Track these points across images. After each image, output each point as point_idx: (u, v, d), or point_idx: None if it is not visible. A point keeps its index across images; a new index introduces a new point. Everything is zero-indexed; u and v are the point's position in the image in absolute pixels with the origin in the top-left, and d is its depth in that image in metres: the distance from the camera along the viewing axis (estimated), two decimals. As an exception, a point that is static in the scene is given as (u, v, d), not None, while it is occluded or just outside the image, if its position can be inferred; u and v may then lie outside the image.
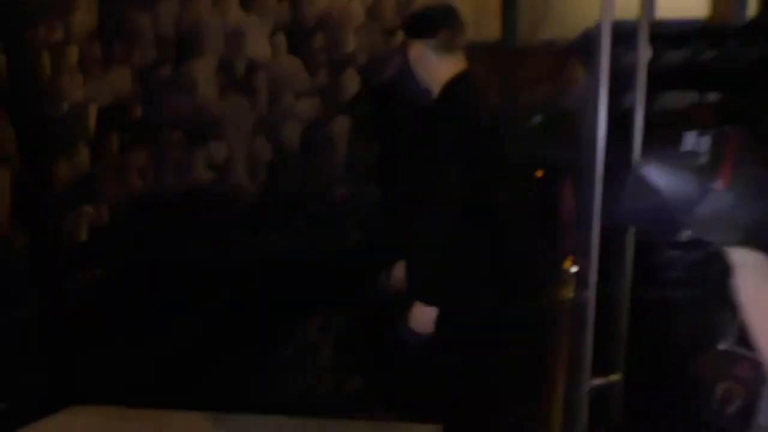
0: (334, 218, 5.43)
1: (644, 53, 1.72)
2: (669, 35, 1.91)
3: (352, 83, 5.18)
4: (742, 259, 1.02)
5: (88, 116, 4.62)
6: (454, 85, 1.91)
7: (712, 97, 2.01)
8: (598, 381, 1.79)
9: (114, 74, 4.94)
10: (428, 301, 1.88)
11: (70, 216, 4.40)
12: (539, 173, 4.93)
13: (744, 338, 1.57)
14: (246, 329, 3.77)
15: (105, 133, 4.80)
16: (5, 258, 3.76)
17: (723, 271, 1.01)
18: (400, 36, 5.12)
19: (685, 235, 1.11)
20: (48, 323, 2.97)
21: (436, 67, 1.92)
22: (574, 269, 1.64)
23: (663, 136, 1.21)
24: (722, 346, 2.03)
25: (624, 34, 1.88)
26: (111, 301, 4.32)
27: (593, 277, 1.67)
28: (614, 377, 1.82)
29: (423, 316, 1.87)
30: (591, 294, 1.69)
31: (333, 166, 5.33)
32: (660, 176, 1.05)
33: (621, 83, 1.84)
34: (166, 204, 5.62)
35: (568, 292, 1.65)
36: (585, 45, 4.54)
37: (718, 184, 1.02)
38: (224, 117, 5.42)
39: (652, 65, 1.90)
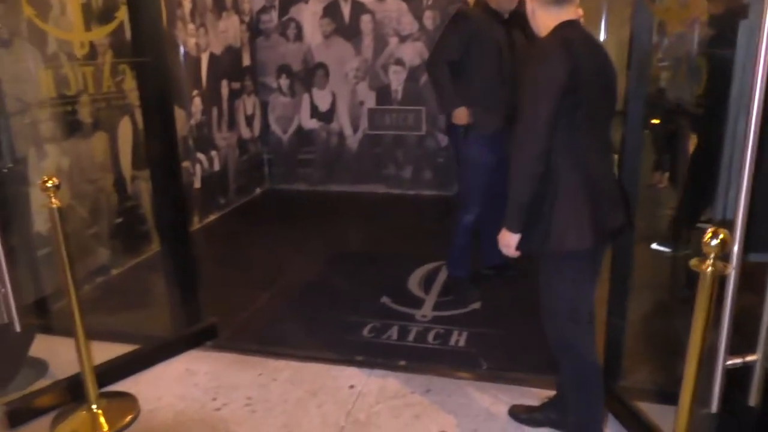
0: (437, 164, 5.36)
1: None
2: None
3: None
4: None
5: (200, 65, 4.77)
6: (559, 30, 1.87)
7: None
8: (735, 360, 1.65)
9: (224, 22, 5.06)
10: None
11: (186, 163, 4.62)
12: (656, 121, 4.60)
13: None
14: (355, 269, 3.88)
15: (216, 81, 4.97)
16: (132, 200, 4.05)
17: None
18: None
19: None
20: (173, 260, 3.15)
21: (543, 20, 1.94)
22: (716, 240, 1.48)
23: None
24: None
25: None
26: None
27: (739, 250, 1.52)
28: (752, 357, 1.67)
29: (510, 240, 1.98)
30: (735, 269, 1.54)
31: (435, 114, 5.22)
32: None
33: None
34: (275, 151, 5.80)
35: (710, 264, 1.50)
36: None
37: None
38: (329, 63, 5.43)
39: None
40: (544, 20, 1.92)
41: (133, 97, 3.93)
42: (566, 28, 1.88)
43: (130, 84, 3.89)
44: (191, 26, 4.63)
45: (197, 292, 3.16)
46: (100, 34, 3.50)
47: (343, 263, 4.09)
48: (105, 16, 3.62)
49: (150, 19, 2.72)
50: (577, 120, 1.84)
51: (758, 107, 1.53)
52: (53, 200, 2.30)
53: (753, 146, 1.53)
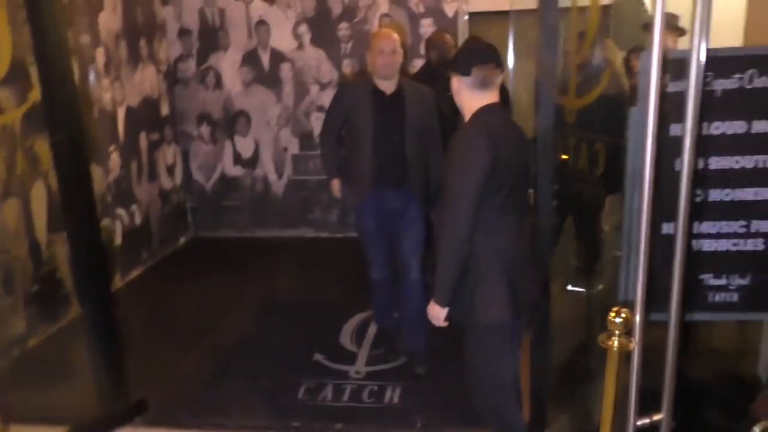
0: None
1: (696, 82, 1.66)
2: (720, 63, 1.86)
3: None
4: None
5: (117, 119, 4.67)
6: (481, 114, 2.03)
7: (760, 126, 1.95)
8: (644, 420, 1.80)
9: (140, 73, 4.97)
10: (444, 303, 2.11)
11: (106, 221, 4.49)
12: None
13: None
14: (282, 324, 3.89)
15: (134, 134, 4.87)
16: (48, 265, 3.88)
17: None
18: (426, 28, 5.06)
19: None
20: (94, 325, 3.05)
21: (468, 101, 2.10)
22: (620, 318, 1.63)
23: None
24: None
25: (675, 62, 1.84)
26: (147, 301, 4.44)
27: (641, 327, 1.67)
28: (658, 416, 1.82)
29: (438, 313, 2.12)
30: (638, 342, 1.69)
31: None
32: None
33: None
34: (198, 199, 5.72)
35: (616, 340, 1.65)
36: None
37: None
38: (250, 110, 5.44)
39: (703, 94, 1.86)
40: (468, 101, 2.08)
41: (47, 160, 3.82)
42: (488, 113, 2.04)
43: (42, 148, 3.77)
44: (106, 81, 4.54)
45: (122, 360, 3.07)
46: (15, 116, 3.42)
47: (274, 316, 4.08)
48: (18, 92, 3.54)
49: (64, 99, 2.66)
50: (498, 201, 1.98)
51: (648, 191, 1.70)
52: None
53: (646, 228, 1.70)
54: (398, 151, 3.05)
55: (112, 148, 4.62)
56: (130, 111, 4.85)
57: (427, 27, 5.08)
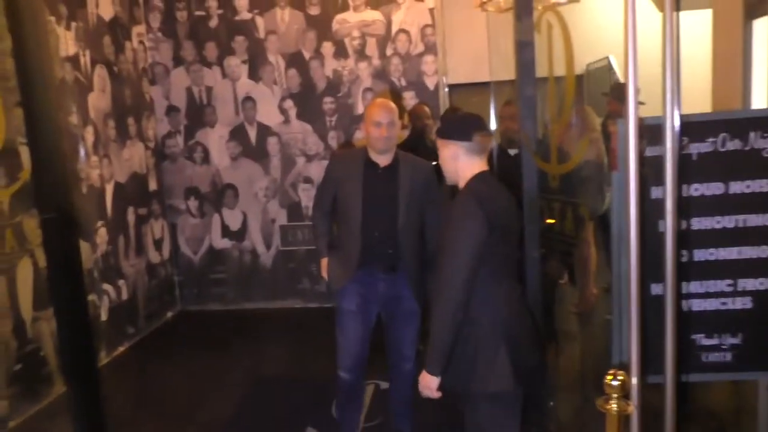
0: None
1: (672, 146, 1.72)
2: (693, 128, 1.95)
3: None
4: None
5: (105, 195, 4.70)
6: (478, 182, 2.06)
7: (736, 187, 2.02)
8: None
9: (128, 150, 5.05)
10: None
11: (92, 297, 4.43)
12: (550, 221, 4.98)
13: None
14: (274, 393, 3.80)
15: (122, 209, 4.89)
16: (32, 343, 3.80)
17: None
18: (409, 101, 5.22)
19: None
20: (79, 404, 2.95)
21: (464, 168, 2.13)
22: (617, 381, 1.62)
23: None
24: None
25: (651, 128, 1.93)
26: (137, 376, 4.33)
27: (638, 389, 1.67)
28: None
29: (430, 383, 2.08)
30: (636, 405, 1.68)
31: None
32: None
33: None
34: (186, 272, 5.68)
35: (614, 404, 1.64)
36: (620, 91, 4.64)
37: None
38: (238, 183, 5.51)
39: (680, 157, 1.93)
40: (465, 168, 2.11)
41: (34, 237, 3.81)
42: (483, 180, 2.09)
43: (29, 225, 3.77)
44: (94, 158, 4.59)
45: (108, 444, 2.97)
46: (4, 196, 3.44)
47: (265, 390, 3.99)
48: (8, 172, 3.58)
49: (55, 178, 2.69)
50: (494, 267, 2.00)
51: (636, 252, 1.74)
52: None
53: (636, 290, 1.72)
54: (389, 230, 2.79)
55: (99, 223, 4.62)
56: (118, 187, 4.88)
57: (409, 99, 5.25)
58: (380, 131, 2.75)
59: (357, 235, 2.81)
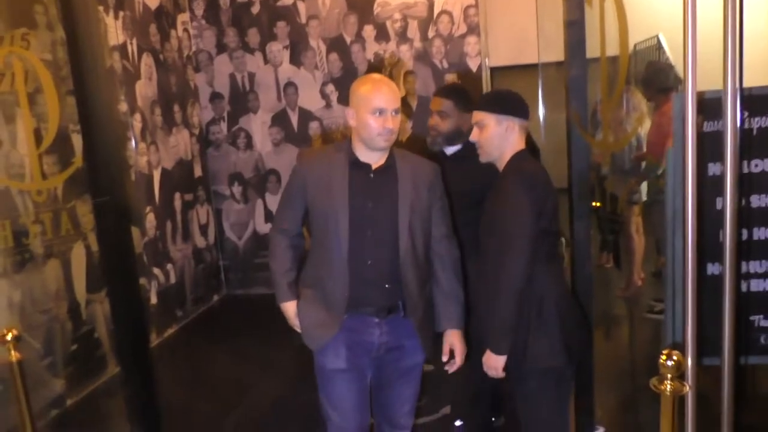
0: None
1: (731, 121, 1.66)
2: (754, 102, 1.87)
3: (403, 130, 5.23)
4: None
5: (153, 182, 4.81)
6: (523, 160, 2.10)
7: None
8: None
9: (174, 137, 5.15)
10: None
11: (142, 280, 4.56)
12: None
13: None
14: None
15: (169, 195, 5.01)
16: (87, 325, 3.94)
17: None
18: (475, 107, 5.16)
19: None
20: (132, 385, 3.06)
21: (513, 145, 2.10)
22: (672, 361, 1.58)
23: None
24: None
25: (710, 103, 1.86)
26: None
27: (693, 370, 1.62)
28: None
29: (496, 363, 2.04)
30: (692, 386, 1.64)
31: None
32: None
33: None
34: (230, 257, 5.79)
35: (669, 384, 1.60)
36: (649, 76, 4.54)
37: None
38: (281, 169, 5.56)
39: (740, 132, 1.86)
40: (512, 145, 2.09)
41: (86, 221, 3.93)
42: (525, 160, 2.07)
43: (82, 210, 3.89)
44: (142, 145, 4.70)
45: (160, 420, 3.06)
46: (57, 182, 3.55)
47: (311, 373, 4.03)
48: (61, 158, 3.70)
49: (107, 164, 2.77)
50: (545, 248, 1.99)
51: (693, 230, 1.69)
52: (13, 353, 2.25)
53: (693, 268, 1.67)
54: (388, 257, 2.06)
55: (148, 209, 4.74)
56: (165, 173, 4.99)
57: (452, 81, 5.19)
58: (384, 122, 1.98)
59: (342, 267, 2.04)
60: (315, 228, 2.13)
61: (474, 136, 2.13)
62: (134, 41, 4.67)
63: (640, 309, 4.57)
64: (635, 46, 6.62)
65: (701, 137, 1.93)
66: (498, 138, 2.08)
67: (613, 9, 2.08)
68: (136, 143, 4.61)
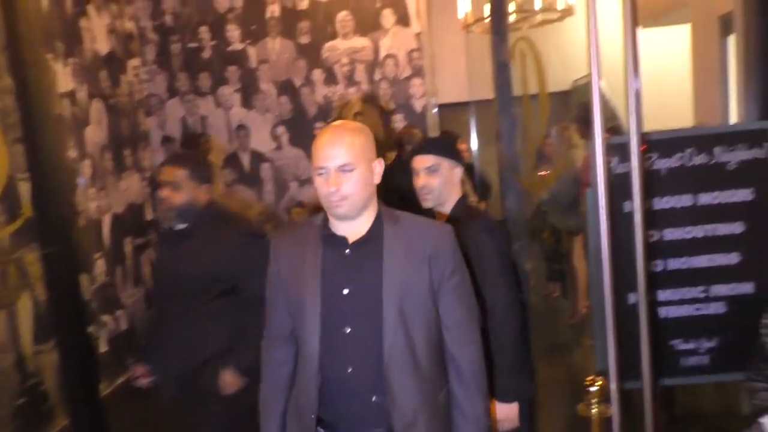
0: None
1: (637, 163, 1.83)
2: (661, 145, 2.07)
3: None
4: None
5: (102, 227, 4.79)
6: (467, 204, 2.20)
7: (705, 198, 2.13)
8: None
9: (125, 181, 5.15)
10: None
11: (91, 328, 4.49)
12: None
13: None
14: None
15: (119, 240, 4.98)
16: (34, 377, 3.85)
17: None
18: (398, 124, 5.35)
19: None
20: None
21: (457, 191, 2.18)
22: (595, 387, 1.71)
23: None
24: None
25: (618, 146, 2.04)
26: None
27: (617, 394, 1.75)
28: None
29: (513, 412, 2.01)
30: (616, 410, 1.76)
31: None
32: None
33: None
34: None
35: (595, 408, 1.72)
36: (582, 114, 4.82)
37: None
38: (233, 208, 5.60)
39: (649, 172, 2.04)
40: (456, 191, 2.16)
41: (34, 270, 3.88)
42: (470, 206, 2.19)
43: (29, 259, 3.85)
44: (92, 190, 4.69)
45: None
46: (4, 234, 3.53)
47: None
48: (9, 208, 3.67)
49: (56, 213, 2.79)
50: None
51: (608, 263, 1.83)
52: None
53: (610, 297, 1.81)
54: (371, 361, 1.62)
55: (97, 255, 4.71)
56: (115, 218, 4.98)
57: (398, 123, 5.38)
58: (326, 183, 1.56)
59: (312, 376, 1.65)
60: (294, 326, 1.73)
61: (424, 182, 2.12)
62: (84, 87, 4.70)
63: (586, 336, 4.74)
64: (575, 82, 6.97)
65: (617, 178, 2.10)
66: (449, 184, 2.13)
67: (533, 63, 2.27)
68: (85, 189, 4.60)
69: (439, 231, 1.67)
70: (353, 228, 1.63)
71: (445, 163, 2.13)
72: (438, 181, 2.12)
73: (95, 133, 4.80)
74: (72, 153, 4.48)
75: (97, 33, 4.95)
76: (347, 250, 1.63)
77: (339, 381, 1.63)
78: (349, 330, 1.62)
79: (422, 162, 2.14)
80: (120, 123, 5.19)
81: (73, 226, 4.29)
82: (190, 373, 2.43)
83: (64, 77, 4.47)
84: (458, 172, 2.16)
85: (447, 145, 2.21)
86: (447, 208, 2.18)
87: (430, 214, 2.19)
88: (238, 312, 2.38)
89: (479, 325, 1.71)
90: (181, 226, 2.42)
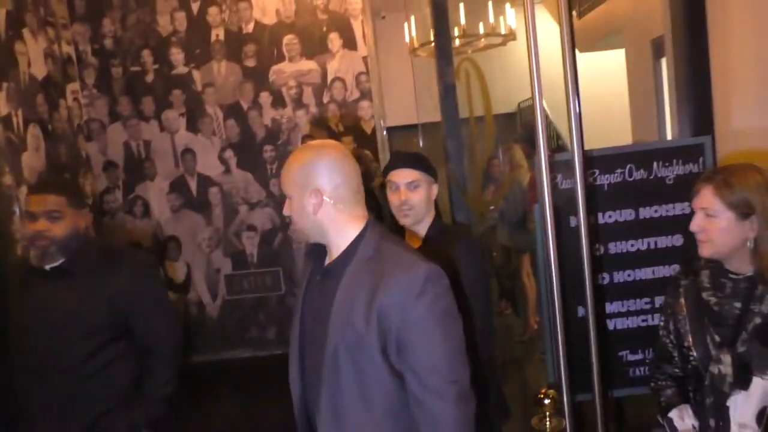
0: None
1: (580, 179, 1.88)
2: (602, 161, 2.13)
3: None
4: None
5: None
6: (439, 223, 2.13)
7: (646, 212, 2.21)
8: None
9: (65, 208, 4.96)
10: None
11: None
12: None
13: None
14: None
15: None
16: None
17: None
18: (348, 146, 5.36)
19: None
20: None
21: (432, 207, 2.10)
22: (548, 399, 1.73)
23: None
24: None
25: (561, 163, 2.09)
26: None
27: (569, 407, 1.78)
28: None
29: None
30: (569, 422, 1.79)
31: (293, 273, 5.40)
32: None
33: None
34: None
35: (548, 420, 1.74)
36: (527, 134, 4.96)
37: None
38: (180, 235, 5.47)
39: (593, 188, 2.10)
40: (432, 207, 2.13)
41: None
42: (446, 225, 2.21)
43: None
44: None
45: None
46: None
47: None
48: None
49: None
50: None
51: (556, 277, 1.87)
52: None
53: (559, 310, 1.85)
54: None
55: (36, 285, 4.50)
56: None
57: (348, 145, 5.39)
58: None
59: (296, 400, 1.65)
60: None
61: (405, 197, 2.03)
62: (20, 112, 4.52)
63: (537, 352, 4.81)
64: (519, 104, 7.15)
65: (562, 194, 2.16)
66: (428, 201, 2.08)
67: (479, 84, 2.32)
68: (21, 217, 4.41)
69: (410, 276, 1.40)
70: (331, 251, 1.54)
71: (425, 179, 2.06)
72: (419, 198, 2.04)
73: (32, 159, 4.62)
74: (7, 180, 4.29)
75: (34, 57, 4.79)
76: (318, 276, 1.58)
77: (313, 422, 1.55)
78: (308, 364, 1.57)
79: (403, 176, 2.04)
80: (59, 148, 5.01)
81: (10, 254, 4.11)
82: None
83: (-2, 102, 4.30)
84: (435, 189, 2.10)
85: (426, 161, 2.11)
86: (422, 227, 2.10)
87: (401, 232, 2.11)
88: (135, 360, 2.14)
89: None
90: (56, 263, 2.10)
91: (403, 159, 2.08)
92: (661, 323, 1.79)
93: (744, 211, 1.56)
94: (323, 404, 1.46)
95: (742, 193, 1.56)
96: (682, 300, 1.69)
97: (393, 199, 2.07)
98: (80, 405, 2.05)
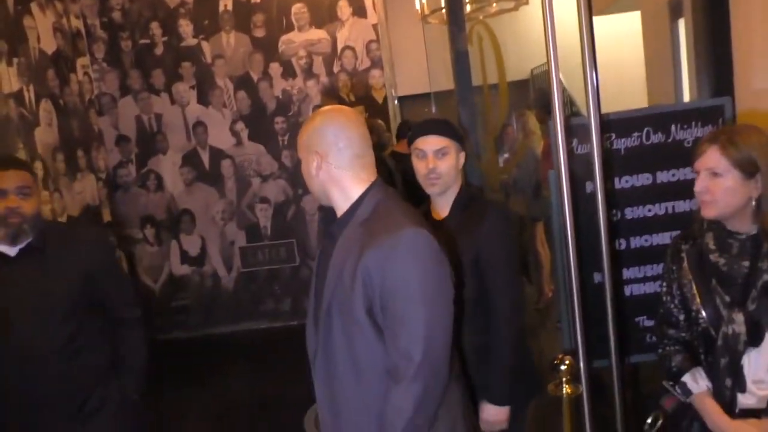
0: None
1: (597, 143, 1.85)
2: (619, 125, 2.09)
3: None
4: None
5: (58, 230, 4.63)
6: (467, 192, 2.05)
7: (663, 176, 2.17)
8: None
9: (79, 183, 5.00)
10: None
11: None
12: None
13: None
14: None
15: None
16: None
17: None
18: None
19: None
20: None
21: (460, 175, 2.02)
22: (564, 365, 1.73)
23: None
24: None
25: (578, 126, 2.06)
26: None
27: (585, 372, 1.77)
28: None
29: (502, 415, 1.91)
30: (585, 388, 1.79)
31: (307, 245, 5.41)
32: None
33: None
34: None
35: (564, 386, 1.74)
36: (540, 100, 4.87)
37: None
38: (194, 208, 5.50)
39: (609, 152, 2.07)
40: (461, 175, 2.04)
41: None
42: (476, 192, 2.16)
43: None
44: (45, 193, 4.53)
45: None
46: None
47: (234, 420, 3.99)
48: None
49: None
50: None
51: (572, 243, 1.85)
52: None
53: (576, 277, 1.83)
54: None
55: (54, 260, 4.55)
56: (70, 220, 4.82)
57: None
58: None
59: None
60: None
61: (433, 164, 1.94)
62: (31, 88, 4.52)
63: (552, 320, 4.81)
64: (532, 70, 7.03)
65: (578, 159, 2.12)
66: (456, 169, 2.00)
67: (492, 50, 2.27)
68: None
69: (395, 242, 1.40)
70: (337, 214, 1.58)
71: (454, 146, 1.97)
72: (447, 165, 1.95)
73: (45, 135, 4.64)
74: (21, 155, 4.32)
75: (43, 31, 4.77)
76: (325, 238, 1.63)
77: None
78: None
79: (431, 144, 1.95)
80: (71, 123, 5.02)
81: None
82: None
83: (8, 78, 4.30)
84: (463, 157, 2.02)
85: (455, 127, 2.01)
86: (448, 196, 2.02)
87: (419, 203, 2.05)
88: (111, 333, 2.14)
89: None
90: (25, 241, 1.98)
91: (431, 125, 1.99)
92: (664, 289, 1.78)
93: (749, 170, 1.55)
94: (318, 361, 1.57)
95: (748, 151, 1.55)
96: (686, 265, 1.69)
97: (420, 167, 1.98)
98: (69, 386, 2.01)
